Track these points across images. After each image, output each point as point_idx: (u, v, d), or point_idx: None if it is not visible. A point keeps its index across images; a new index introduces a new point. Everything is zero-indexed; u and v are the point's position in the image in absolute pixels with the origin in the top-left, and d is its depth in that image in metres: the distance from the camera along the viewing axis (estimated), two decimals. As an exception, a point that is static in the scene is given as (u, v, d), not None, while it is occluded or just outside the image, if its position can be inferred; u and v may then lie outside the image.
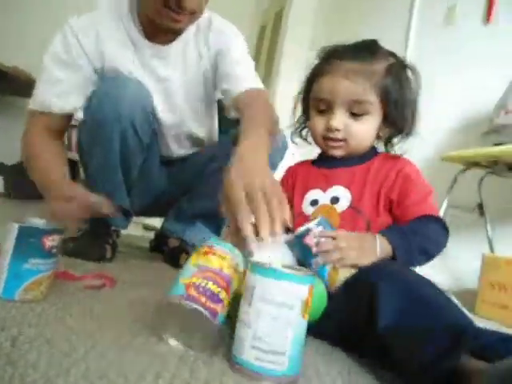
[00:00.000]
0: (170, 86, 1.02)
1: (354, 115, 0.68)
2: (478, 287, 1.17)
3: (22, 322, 0.49)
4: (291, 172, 0.80)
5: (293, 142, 0.82)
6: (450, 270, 1.65)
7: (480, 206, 1.45)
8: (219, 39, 1.01)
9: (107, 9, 0.98)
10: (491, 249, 1.45)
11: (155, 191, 1.16)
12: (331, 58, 0.70)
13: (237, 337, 0.46)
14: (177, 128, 1.08)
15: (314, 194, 0.72)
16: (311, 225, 0.61)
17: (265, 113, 0.83)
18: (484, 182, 1.43)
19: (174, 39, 1.00)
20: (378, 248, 0.59)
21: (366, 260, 0.59)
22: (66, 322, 0.52)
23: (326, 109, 0.69)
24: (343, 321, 0.56)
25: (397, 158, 0.73)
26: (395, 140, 0.75)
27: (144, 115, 0.95)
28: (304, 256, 0.61)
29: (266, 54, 3.05)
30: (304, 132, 0.80)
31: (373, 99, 0.67)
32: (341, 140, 0.69)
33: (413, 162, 0.73)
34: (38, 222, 0.59)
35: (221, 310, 0.49)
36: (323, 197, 0.71)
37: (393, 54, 0.72)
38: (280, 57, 2.62)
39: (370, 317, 0.50)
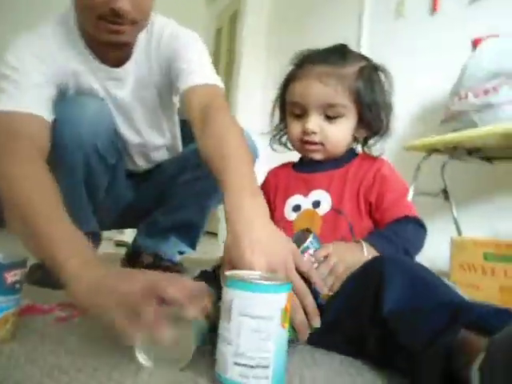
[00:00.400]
0: (127, 108, 0.98)
1: (329, 118, 0.69)
2: (450, 269, 1.21)
3: (-11, 368, 0.46)
4: (273, 175, 0.81)
5: (272, 149, 0.82)
6: (422, 254, 1.70)
7: (444, 191, 1.50)
8: (170, 45, 0.94)
9: (59, 27, 0.89)
10: (458, 231, 1.51)
11: (123, 205, 1.13)
12: (304, 62, 0.72)
13: (219, 355, 0.45)
14: (141, 146, 1.06)
15: (295, 199, 0.72)
16: (305, 245, 0.60)
17: (234, 138, 0.69)
18: (446, 167, 1.48)
19: (125, 58, 0.93)
20: (365, 256, 0.60)
21: (353, 266, 0.59)
22: (38, 361, 0.49)
23: (302, 113, 0.71)
24: (346, 314, 0.56)
25: (374, 158, 0.75)
26: (371, 141, 0.77)
27: (107, 136, 0.92)
28: None
29: (225, 56, 3.04)
30: (284, 139, 0.80)
31: (346, 102, 0.69)
32: (318, 143, 0.71)
33: (389, 162, 0.75)
34: None
35: None
36: (305, 202, 0.71)
37: (364, 58, 0.74)
38: (239, 58, 2.62)
39: (375, 305, 0.51)
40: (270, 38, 2.69)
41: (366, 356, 0.55)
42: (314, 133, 0.69)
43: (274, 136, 0.80)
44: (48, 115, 0.82)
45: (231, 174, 0.60)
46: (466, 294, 1.15)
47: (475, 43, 1.39)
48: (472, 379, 0.37)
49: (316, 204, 0.70)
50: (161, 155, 1.13)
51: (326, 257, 0.58)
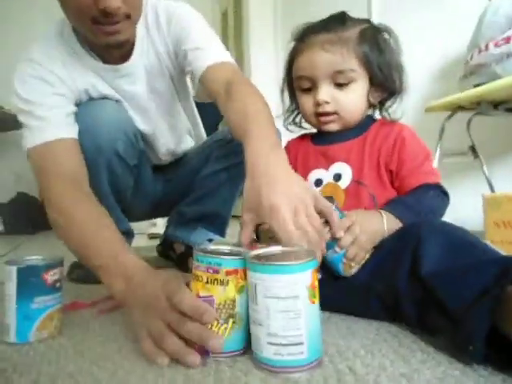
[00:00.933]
0: (141, 101, 0.97)
1: (340, 86, 0.67)
2: (484, 228, 1.18)
3: (42, 362, 0.50)
4: (293, 146, 0.79)
5: (288, 130, 0.80)
6: (455, 215, 1.66)
7: (472, 149, 1.45)
8: (172, 27, 0.91)
9: (56, 40, 0.89)
10: (491, 188, 1.46)
11: (152, 199, 1.16)
12: (304, 35, 0.70)
13: (252, 335, 0.46)
14: (160, 138, 1.06)
15: (316, 173, 0.72)
16: None
17: (257, 102, 0.71)
18: (472, 124, 1.43)
19: (129, 52, 0.92)
20: (385, 226, 0.60)
21: (375, 241, 0.60)
22: (85, 353, 0.52)
23: (311, 86, 0.69)
24: (380, 278, 0.57)
25: (393, 123, 0.72)
26: (388, 103, 0.74)
27: (126, 139, 0.92)
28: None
29: (232, 39, 3.01)
30: (297, 118, 0.79)
31: (354, 66, 0.67)
32: (332, 113, 0.69)
33: (409, 126, 0.72)
34: (36, 259, 0.59)
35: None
36: (326, 175, 0.70)
37: (365, 20, 0.72)
38: (247, 40, 2.60)
39: (412, 267, 0.51)
40: (276, 13, 2.63)
41: (403, 321, 0.55)
42: (326, 103, 0.67)
43: (288, 117, 0.79)
44: (75, 133, 0.83)
45: (253, 127, 0.63)
46: (503, 250, 1.13)
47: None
48: None
49: (337, 177, 0.69)
50: (184, 145, 1.14)
51: (349, 226, 0.58)
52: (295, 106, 0.78)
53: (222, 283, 0.48)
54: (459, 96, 1.17)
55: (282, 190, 0.53)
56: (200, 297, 0.48)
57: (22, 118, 0.83)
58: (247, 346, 0.49)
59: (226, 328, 0.48)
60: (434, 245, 0.50)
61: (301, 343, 0.43)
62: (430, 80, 1.71)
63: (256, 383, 0.42)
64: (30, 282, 0.55)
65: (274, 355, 0.44)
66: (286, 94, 0.78)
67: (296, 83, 0.72)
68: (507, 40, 1.09)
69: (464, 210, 1.62)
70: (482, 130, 1.46)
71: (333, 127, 0.71)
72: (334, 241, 0.57)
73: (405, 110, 0.75)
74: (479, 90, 1.11)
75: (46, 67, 0.85)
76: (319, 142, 0.74)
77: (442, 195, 0.66)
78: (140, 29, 0.91)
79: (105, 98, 0.93)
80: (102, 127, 0.88)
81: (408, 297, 0.52)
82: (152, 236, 2.03)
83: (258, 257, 0.47)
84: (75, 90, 0.88)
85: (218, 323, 0.47)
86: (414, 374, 0.42)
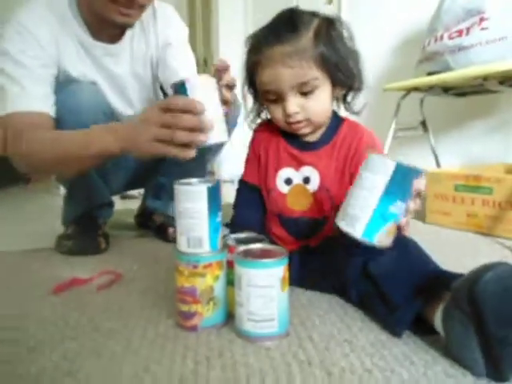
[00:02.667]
0: (123, 82, 1.05)
1: (305, 94, 0.69)
2: (425, 198, 1.36)
3: (63, 339, 0.61)
4: (263, 141, 0.80)
5: (251, 128, 0.83)
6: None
7: (423, 123, 1.60)
8: (167, 29, 1.05)
9: (46, 5, 0.94)
10: (436, 160, 1.64)
11: (127, 172, 1.23)
12: (261, 47, 0.70)
13: (236, 314, 0.60)
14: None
15: (286, 172, 0.76)
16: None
17: None
18: (424, 102, 1.57)
19: (121, 35, 1.01)
20: None
21: None
22: (99, 328, 0.64)
23: (277, 97, 0.71)
24: (333, 270, 0.70)
25: (356, 127, 0.76)
26: (349, 98, 0.76)
27: (104, 117, 0.99)
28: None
29: (201, 21, 2.92)
30: (263, 114, 0.81)
31: (316, 74, 0.68)
32: (302, 121, 0.71)
33: (369, 130, 0.76)
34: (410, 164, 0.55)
35: (199, 319, 0.61)
36: (296, 176, 0.76)
37: (315, 15, 0.71)
38: (217, 31, 2.58)
39: (365, 266, 0.63)
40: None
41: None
42: (296, 113, 0.70)
43: (254, 117, 0.81)
44: (50, 109, 0.91)
45: None
46: (439, 219, 1.31)
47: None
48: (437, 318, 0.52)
49: (306, 180, 0.75)
50: None
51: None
52: (259, 107, 0.80)
53: (201, 275, 0.61)
54: (414, 82, 1.29)
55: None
56: (184, 287, 0.61)
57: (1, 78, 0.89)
58: (227, 320, 0.63)
59: (208, 309, 0.61)
60: (389, 254, 0.61)
61: (273, 319, 0.58)
62: (391, 56, 1.81)
63: (238, 349, 0.56)
64: (402, 182, 0.54)
65: (252, 328, 0.58)
66: (248, 98, 0.79)
67: (262, 95, 0.74)
68: (460, 33, 1.20)
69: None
70: (432, 107, 1.61)
71: (305, 131, 0.74)
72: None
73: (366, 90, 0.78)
74: (432, 78, 1.23)
75: (31, 32, 0.91)
76: (291, 143, 0.77)
77: None
78: None
79: (80, 78, 0.99)
80: (84, 106, 0.94)
81: (355, 289, 0.67)
82: (124, 196, 2.10)
83: (244, 254, 0.59)
84: (56, 59, 0.95)
85: (202, 305, 0.61)
86: (353, 339, 0.58)
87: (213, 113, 0.67)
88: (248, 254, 0.60)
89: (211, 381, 0.49)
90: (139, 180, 1.28)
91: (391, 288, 0.60)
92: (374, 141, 0.75)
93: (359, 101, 0.77)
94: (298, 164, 0.76)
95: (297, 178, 0.76)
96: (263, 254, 0.59)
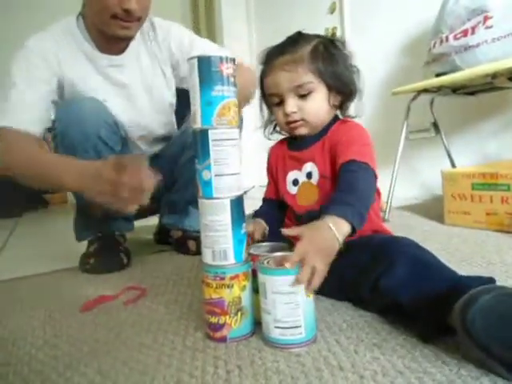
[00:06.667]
0: (131, 92, 1.11)
1: (303, 96, 0.78)
2: (443, 199, 1.35)
3: (94, 354, 0.63)
4: (273, 154, 0.90)
5: (268, 139, 0.90)
6: (420, 183, 1.85)
7: (435, 125, 1.60)
8: (168, 34, 1.14)
9: (59, 28, 1.07)
10: (451, 160, 1.63)
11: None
12: (268, 59, 0.81)
13: (263, 322, 0.61)
14: (143, 129, 1.18)
15: (293, 174, 0.84)
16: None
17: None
18: (434, 103, 1.57)
19: (125, 48, 1.10)
20: (337, 237, 0.61)
21: (331, 256, 0.61)
22: (127, 342, 0.65)
23: (280, 101, 0.80)
24: (347, 283, 0.70)
25: (348, 122, 0.82)
26: (347, 104, 0.83)
27: (108, 126, 1.04)
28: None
29: (204, 25, 2.98)
30: (278, 128, 0.88)
31: (310, 78, 0.77)
32: (299, 120, 0.79)
33: (359, 124, 0.81)
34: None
35: (227, 330, 0.62)
36: (300, 175, 0.83)
37: (318, 36, 0.81)
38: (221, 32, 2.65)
39: (376, 282, 0.63)
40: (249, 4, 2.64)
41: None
42: (294, 112, 0.78)
43: (268, 127, 0.89)
44: (39, 130, 1.01)
45: None
46: (458, 220, 1.30)
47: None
48: (454, 316, 0.51)
49: (309, 175, 0.81)
50: (161, 139, 1.25)
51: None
52: (273, 117, 0.87)
53: (228, 287, 0.62)
54: (423, 84, 1.30)
55: None
56: (212, 299, 0.62)
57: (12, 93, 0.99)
58: (255, 330, 0.64)
59: (236, 319, 0.62)
60: (403, 265, 0.62)
61: (300, 326, 0.58)
62: (398, 60, 1.82)
63: (268, 356, 0.57)
64: (210, 71, 0.60)
65: (279, 335, 0.58)
66: (264, 109, 0.88)
67: (269, 100, 0.83)
68: (465, 33, 1.21)
69: (428, 180, 1.81)
70: (443, 108, 1.61)
71: (302, 131, 0.81)
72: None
73: (372, 93, 0.82)
74: (440, 80, 1.24)
75: (37, 53, 1.02)
76: (292, 147, 0.86)
77: (368, 170, 0.71)
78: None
79: (87, 90, 1.07)
80: (86, 118, 1.00)
81: (371, 303, 0.68)
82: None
83: (267, 262, 0.60)
84: (58, 71, 1.05)
85: (231, 316, 0.62)
86: (382, 342, 0.58)
87: (233, 171, 0.63)
88: (271, 261, 0.61)
89: (244, 389, 0.50)
90: (152, 203, 1.29)
91: (407, 300, 0.60)
92: (358, 127, 0.80)
93: (361, 105, 0.84)
94: (300, 163, 0.82)
95: (301, 177, 0.82)
96: (285, 261, 0.60)
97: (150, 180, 0.83)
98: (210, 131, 0.61)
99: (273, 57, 0.79)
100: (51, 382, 0.55)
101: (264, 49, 0.83)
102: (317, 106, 0.79)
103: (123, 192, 0.81)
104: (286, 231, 0.64)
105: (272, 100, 0.81)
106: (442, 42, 1.26)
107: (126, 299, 0.84)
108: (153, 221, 1.56)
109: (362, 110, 0.83)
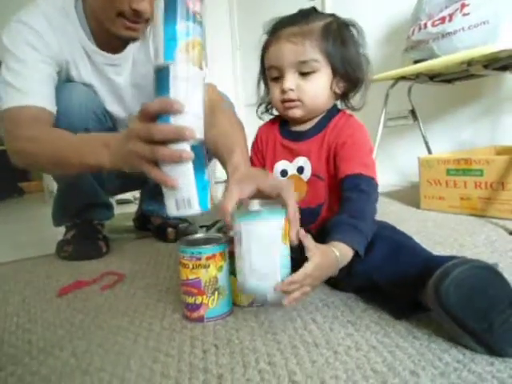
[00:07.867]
0: (122, 92, 1.05)
1: (304, 75, 0.72)
2: (419, 185, 1.38)
3: (72, 338, 0.62)
4: (263, 135, 0.84)
5: (259, 117, 0.85)
6: (397, 170, 1.88)
7: (412, 112, 1.62)
8: None
9: (52, 4, 0.94)
10: (428, 148, 1.66)
11: (122, 174, 1.24)
12: (274, 29, 0.75)
13: (239, 270, 0.59)
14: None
15: (282, 164, 0.79)
16: None
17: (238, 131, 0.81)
18: (412, 90, 1.59)
19: (124, 47, 1.01)
20: (338, 264, 0.61)
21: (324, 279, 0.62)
22: (102, 326, 0.65)
23: (279, 75, 0.74)
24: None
25: (350, 119, 0.76)
26: (351, 94, 0.77)
27: (96, 118, 1.01)
28: None
29: None
30: (269, 106, 0.83)
31: (317, 56, 0.71)
32: (295, 100, 0.73)
33: (361, 124, 0.76)
34: None
35: (204, 310, 0.62)
36: (290, 167, 0.78)
37: (331, 15, 0.75)
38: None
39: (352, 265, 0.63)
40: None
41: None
42: (291, 90, 0.72)
43: (260, 105, 0.84)
44: (50, 105, 0.91)
45: (237, 148, 0.73)
46: (434, 204, 1.33)
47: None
48: (428, 291, 0.52)
49: (300, 170, 0.77)
50: None
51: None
52: (268, 95, 0.81)
53: (204, 267, 0.61)
54: (401, 71, 1.31)
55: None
56: (189, 279, 0.62)
57: (4, 72, 0.88)
58: (231, 310, 0.65)
59: (213, 299, 0.62)
60: (379, 248, 0.63)
61: (275, 272, 0.56)
62: (377, 45, 1.83)
63: (245, 336, 0.57)
64: (175, 6, 0.55)
65: (256, 281, 0.57)
66: (261, 86, 0.82)
67: (267, 73, 0.77)
68: (442, 20, 1.22)
69: (406, 166, 1.85)
70: (420, 95, 1.63)
71: (296, 113, 0.75)
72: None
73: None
74: (417, 66, 1.25)
75: (36, 31, 0.90)
76: (286, 135, 0.80)
77: (375, 188, 0.71)
78: None
79: (80, 78, 1.00)
80: (75, 110, 0.96)
81: (347, 282, 0.67)
82: (119, 201, 2.10)
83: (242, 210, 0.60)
84: (59, 57, 0.95)
85: (207, 296, 0.62)
86: (357, 320, 0.60)
87: (193, 112, 0.57)
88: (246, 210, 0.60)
89: (221, 367, 0.50)
90: (132, 183, 1.28)
91: (383, 280, 0.61)
92: (364, 139, 0.75)
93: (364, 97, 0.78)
94: (292, 155, 0.78)
95: (291, 169, 0.78)
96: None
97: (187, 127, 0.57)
98: (171, 67, 0.55)
99: (280, 26, 0.73)
100: (24, 365, 0.54)
101: (272, 19, 0.76)
102: (317, 89, 0.73)
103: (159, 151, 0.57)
104: (304, 235, 0.59)
105: (271, 73, 0.75)
106: (420, 28, 1.27)
107: (103, 284, 0.83)
108: (133, 208, 1.55)
109: (364, 103, 0.77)
